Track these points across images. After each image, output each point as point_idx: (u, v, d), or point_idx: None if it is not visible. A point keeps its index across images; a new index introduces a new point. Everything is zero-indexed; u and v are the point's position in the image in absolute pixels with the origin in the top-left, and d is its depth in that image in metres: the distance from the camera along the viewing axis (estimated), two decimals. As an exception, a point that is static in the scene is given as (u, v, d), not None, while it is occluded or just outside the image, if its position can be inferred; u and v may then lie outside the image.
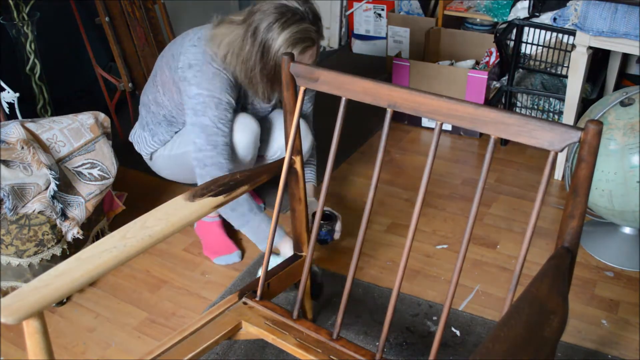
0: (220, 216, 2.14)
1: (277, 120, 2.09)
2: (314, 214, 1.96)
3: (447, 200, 2.35)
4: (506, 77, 2.66)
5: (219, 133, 1.80)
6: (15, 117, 2.18)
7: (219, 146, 1.80)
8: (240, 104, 1.95)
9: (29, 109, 2.47)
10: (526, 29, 2.61)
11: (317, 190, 2.07)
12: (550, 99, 2.64)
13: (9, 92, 2.17)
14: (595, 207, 1.94)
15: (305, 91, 1.32)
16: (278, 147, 2.09)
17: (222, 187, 1.28)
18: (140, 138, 2.11)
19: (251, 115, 1.95)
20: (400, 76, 2.86)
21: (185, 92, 1.81)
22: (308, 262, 1.39)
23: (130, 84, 2.70)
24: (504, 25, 2.70)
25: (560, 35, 2.57)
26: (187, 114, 1.82)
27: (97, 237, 2.01)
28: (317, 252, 2.08)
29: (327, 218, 1.93)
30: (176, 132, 2.02)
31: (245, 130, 1.89)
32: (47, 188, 1.78)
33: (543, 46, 2.64)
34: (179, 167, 2.04)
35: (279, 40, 1.65)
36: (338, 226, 1.93)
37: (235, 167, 1.91)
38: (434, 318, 1.80)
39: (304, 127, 2.04)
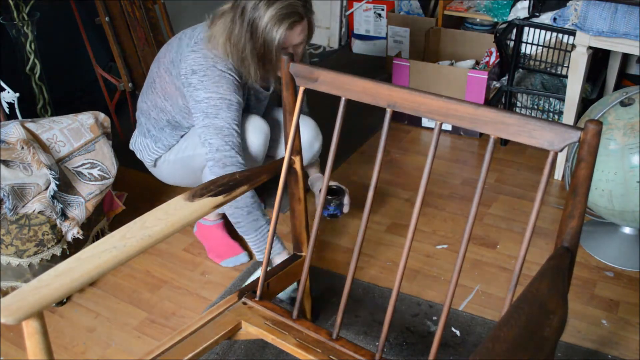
0: (222, 219, 2.14)
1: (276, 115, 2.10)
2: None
3: (447, 200, 2.35)
4: (506, 77, 2.66)
5: (234, 134, 1.77)
6: (15, 117, 2.18)
7: (236, 147, 1.78)
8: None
9: (29, 109, 2.47)
10: (526, 29, 2.61)
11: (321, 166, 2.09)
12: (550, 99, 2.64)
13: (9, 92, 2.17)
14: (595, 207, 1.94)
15: (304, 91, 1.32)
16: None
17: (221, 187, 1.28)
18: (142, 145, 2.07)
19: (261, 117, 1.95)
20: (400, 76, 2.86)
21: (193, 97, 1.79)
22: (307, 261, 1.39)
23: (130, 84, 2.70)
24: (504, 25, 2.70)
25: (560, 35, 2.57)
26: (197, 117, 1.79)
27: (97, 237, 2.01)
28: (316, 252, 2.08)
29: (334, 193, 1.96)
30: (182, 136, 1.99)
31: (256, 132, 1.89)
32: (47, 188, 1.78)
33: (543, 46, 2.64)
34: (186, 170, 2.00)
35: (265, 18, 1.65)
36: (346, 199, 1.95)
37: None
38: (434, 318, 1.80)
39: (314, 127, 2.05)
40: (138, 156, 2.10)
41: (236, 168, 1.76)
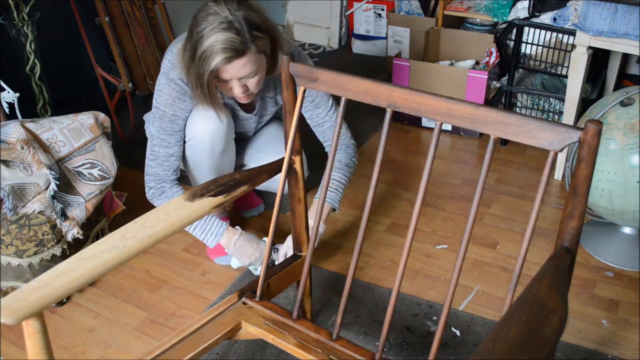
0: (222, 214, 2.14)
1: (274, 133, 2.08)
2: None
3: (447, 200, 2.35)
4: (506, 77, 2.66)
5: (162, 144, 1.82)
6: (15, 117, 2.18)
7: (159, 157, 1.84)
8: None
9: (29, 109, 2.47)
10: (526, 29, 2.61)
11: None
12: (550, 99, 2.64)
13: (9, 92, 2.17)
14: (595, 207, 1.94)
15: (304, 93, 1.32)
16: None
17: (221, 187, 1.28)
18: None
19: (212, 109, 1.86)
20: (400, 76, 2.86)
21: None
22: (308, 261, 1.39)
23: (130, 84, 2.70)
24: (504, 25, 2.70)
25: (560, 35, 2.57)
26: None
27: (97, 237, 2.01)
28: (316, 252, 2.08)
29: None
30: None
31: (202, 119, 1.81)
32: (47, 188, 1.78)
33: (543, 46, 2.64)
34: None
35: (203, 47, 1.57)
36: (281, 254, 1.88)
37: (211, 161, 1.89)
38: (434, 318, 1.80)
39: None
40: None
41: (153, 178, 1.87)
